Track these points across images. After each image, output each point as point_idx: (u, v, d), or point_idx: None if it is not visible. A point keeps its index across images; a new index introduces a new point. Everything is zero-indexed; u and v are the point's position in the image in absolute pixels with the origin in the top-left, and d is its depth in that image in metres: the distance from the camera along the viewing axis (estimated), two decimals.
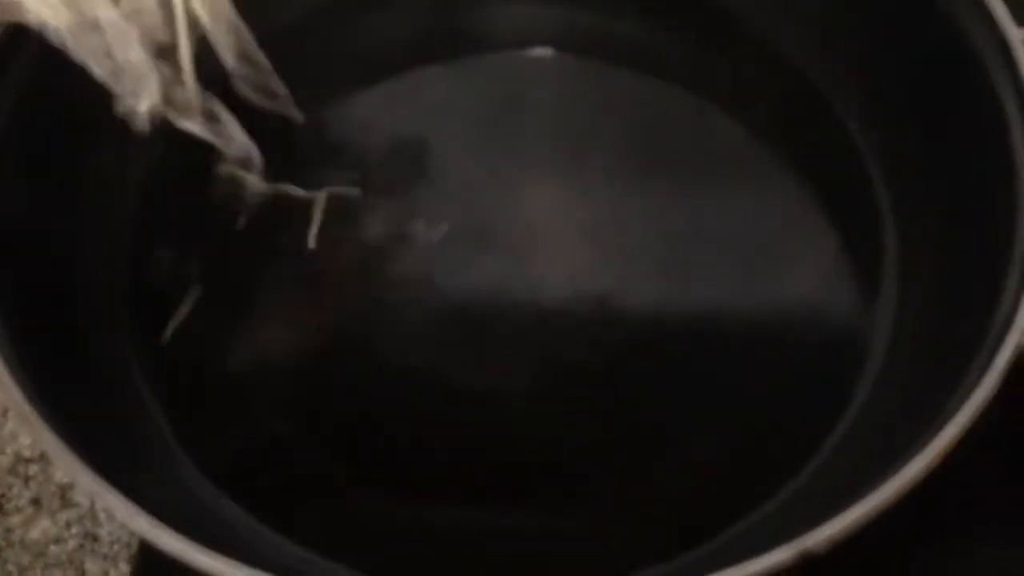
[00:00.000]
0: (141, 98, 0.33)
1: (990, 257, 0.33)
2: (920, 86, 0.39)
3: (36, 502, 0.41)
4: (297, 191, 0.41)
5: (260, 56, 0.36)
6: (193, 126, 0.35)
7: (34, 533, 0.41)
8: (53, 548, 0.40)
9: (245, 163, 0.37)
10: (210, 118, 0.35)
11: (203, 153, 0.37)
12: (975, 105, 0.36)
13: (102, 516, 0.41)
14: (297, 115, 0.38)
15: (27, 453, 0.42)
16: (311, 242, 0.41)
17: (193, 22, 0.34)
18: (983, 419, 0.29)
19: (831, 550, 0.27)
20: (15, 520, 0.41)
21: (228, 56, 0.35)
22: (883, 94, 0.41)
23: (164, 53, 0.33)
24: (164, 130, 0.35)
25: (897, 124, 0.41)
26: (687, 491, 0.37)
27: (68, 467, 0.29)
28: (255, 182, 0.38)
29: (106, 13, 0.31)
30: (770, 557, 0.27)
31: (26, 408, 0.29)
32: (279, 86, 0.37)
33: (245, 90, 0.36)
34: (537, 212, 0.42)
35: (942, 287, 0.37)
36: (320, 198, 0.41)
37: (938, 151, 0.39)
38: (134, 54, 0.32)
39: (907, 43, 0.40)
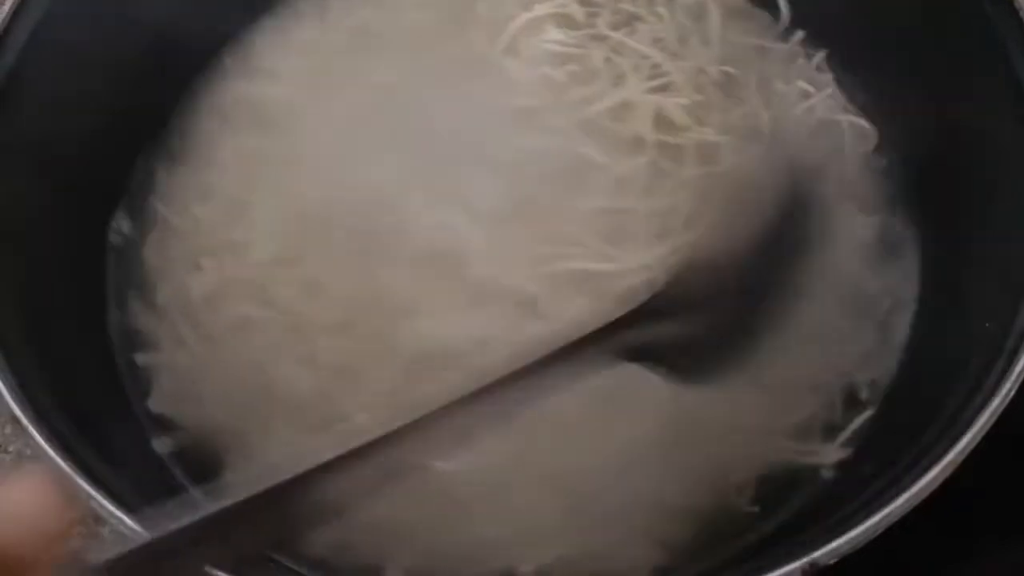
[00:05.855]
0: None
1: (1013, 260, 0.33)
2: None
3: None
4: None
5: None
6: None
7: None
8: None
9: None
10: None
11: None
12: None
13: (104, 515, 0.40)
14: None
15: (30, 451, 0.41)
16: None
17: None
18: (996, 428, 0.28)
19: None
20: None
21: None
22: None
23: None
24: None
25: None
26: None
27: (59, 474, 0.29)
28: None
29: None
30: (780, 571, 0.26)
31: (16, 411, 0.29)
32: None
33: None
34: None
35: (962, 297, 0.36)
36: None
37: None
38: None
39: None
